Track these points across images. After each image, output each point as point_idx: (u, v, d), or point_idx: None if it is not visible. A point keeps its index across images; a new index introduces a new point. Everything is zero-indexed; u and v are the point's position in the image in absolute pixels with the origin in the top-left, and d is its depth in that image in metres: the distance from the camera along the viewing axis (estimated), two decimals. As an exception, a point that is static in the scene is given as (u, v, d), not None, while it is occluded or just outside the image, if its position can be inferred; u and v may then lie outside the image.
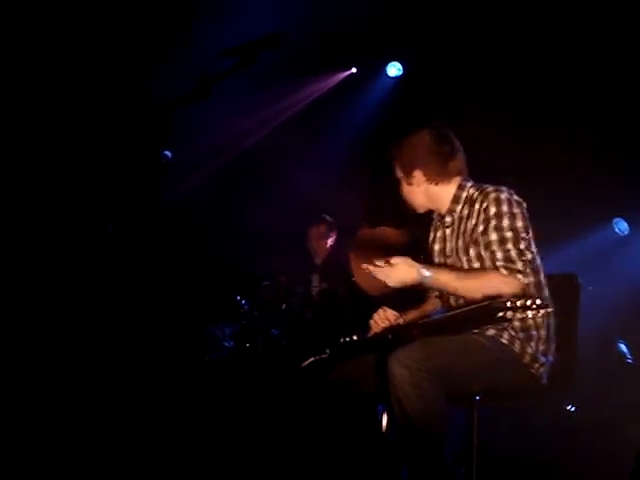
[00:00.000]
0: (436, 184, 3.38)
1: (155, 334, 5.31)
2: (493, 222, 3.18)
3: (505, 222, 3.16)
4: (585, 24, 5.62)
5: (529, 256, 3.15)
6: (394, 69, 6.97)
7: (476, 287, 3.10)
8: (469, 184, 3.38)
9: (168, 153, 4.98)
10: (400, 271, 3.05)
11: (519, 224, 3.17)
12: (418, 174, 3.38)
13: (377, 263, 3.07)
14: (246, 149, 6.32)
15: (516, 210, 3.19)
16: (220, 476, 3.87)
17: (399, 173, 3.46)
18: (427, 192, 3.41)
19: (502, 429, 3.64)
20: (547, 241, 3.50)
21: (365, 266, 3.10)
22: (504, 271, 3.10)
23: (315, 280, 6.33)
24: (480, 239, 3.21)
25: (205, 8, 5.70)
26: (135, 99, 5.72)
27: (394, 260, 3.05)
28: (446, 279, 3.13)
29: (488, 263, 3.18)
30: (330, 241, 6.26)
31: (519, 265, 3.10)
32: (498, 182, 3.34)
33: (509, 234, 3.15)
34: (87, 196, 5.69)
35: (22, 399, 4.28)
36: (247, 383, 4.72)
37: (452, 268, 3.26)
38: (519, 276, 3.09)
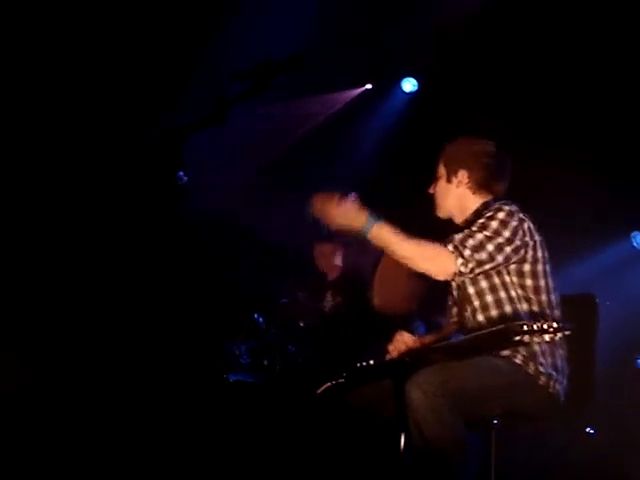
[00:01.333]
0: (473, 192, 3.37)
1: (173, 352, 5.33)
2: (482, 219, 3.17)
3: (493, 223, 3.13)
4: (600, 40, 5.60)
5: (484, 256, 3.07)
6: (409, 84, 6.96)
7: (410, 252, 3.05)
8: (493, 204, 3.31)
9: (182, 175, 5.02)
10: (348, 210, 3.05)
11: (506, 231, 3.12)
12: (462, 174, 3.37)
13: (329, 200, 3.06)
14: (261, 167, 6.33)
15: (512, 221, 3.15)
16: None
17: (441, 170, 3.43)
18: (462, 196, 3.39)
19: (521, 453, 3.61)
20: (565, 256, 3.47)
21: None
22: (450, 248, 3.07)
23: (329, 296, 6.32)
24: None
25: (218, 30, 5.71)
26: (151, 122, 5.74)
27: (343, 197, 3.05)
28: (389, 235, 3.05)
29: (497, 280, 3.18)
30: (337, 258, 6.25)
31: (466, 253, 3.05)
32: (515, 197, 3.32)
33: (487, 230, 3.11)
34: (104, 219, 5.72)
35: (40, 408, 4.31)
36: (264, 404, 4.71)
37: (401, 231, 3.13)
38: (458, 260, 3.04)
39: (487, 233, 3.10)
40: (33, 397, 4.44)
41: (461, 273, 3.07)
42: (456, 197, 3.40)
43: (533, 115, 6.03)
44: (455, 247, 3.07)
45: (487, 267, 3.10)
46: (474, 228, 3.14)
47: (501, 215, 3.15)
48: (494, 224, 3.12)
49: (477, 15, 5.81)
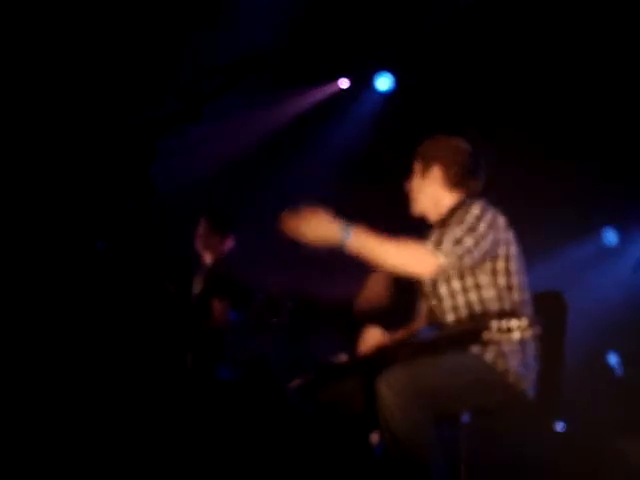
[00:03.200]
0: (448, 189, 3.38)
1: (147, 348, 5.31)
2: (456, 217, 3.19)
3: (467, 217, 3.14)
4: (584, 34, 5.63)
5: (461, 250, 3.06)
6: (384, 81, 6.94)
7: (392, 256, 3.03)
8: (468, 201, 3.33)
9: (156, 171, 5.00)
10: (319, 224, 2.96)
11: (480, 227, 3.12)
12: (437, 170, 3.37)
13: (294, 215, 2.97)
14: (232, 165, 6.28)
15: (486, 216, 3.16)
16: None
17: (418, 163, 3.43)
18: (436, 193, 3.39)
19: (490, 450, 3.64)
20: (534, 253, 3.50)
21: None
22: (429, 245, 3.08)
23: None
24: None
25: (191, 25, 5.68)
26: (125, 117, 5.71)
27: (313, 212, 2.97)
28: (369, 240, 3.00)
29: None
30: None
31: (446, 247, 3.05)
32: (487, 193, 3.35)
33: (463, 226, 3.11)
34: (77, 214, 5.69)
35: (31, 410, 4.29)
36: (235, 401, 4.71)
37: (380, 235, 3.09)
38: (439, 256, 3.04)
39: (463, 228, 3.11)
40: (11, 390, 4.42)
41: (443, 269, 3.07)
42: (430, 193, 3.40)
43: (509, 111, 6.05)
44: (434, 244, 3.08)
45: (467, 261, 3.09)
46: (450, 225, 3.16)
47: (475, 210, 3.17)
48: (469, 219, 3.14)
49: (459, 8, 5.80)
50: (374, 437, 3.11)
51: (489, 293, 3.21)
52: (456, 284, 3.25)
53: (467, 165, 3.37)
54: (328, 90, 6.88)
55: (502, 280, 3.21)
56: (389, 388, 2.89)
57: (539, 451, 3.94)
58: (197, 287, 5.60)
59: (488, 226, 3.14)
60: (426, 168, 3.40)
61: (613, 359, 5.23)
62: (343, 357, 3.34)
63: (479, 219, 3.14)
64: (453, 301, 3.26)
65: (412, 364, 3.00)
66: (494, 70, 6.00)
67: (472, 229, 3.11)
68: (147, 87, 5.89)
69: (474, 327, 2.87)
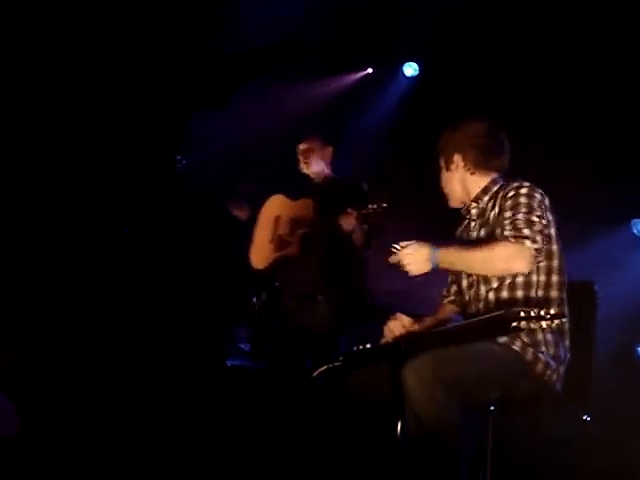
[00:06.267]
0: (472, 173, 3.41)
1: (172, 335, 5.32)
2: (509, 202, 3.19)
3: (521, 199, 3.16)
4: (597, 30, 5.58)
5: (538, 226, 3.09)
6: (410, 69, 6.92)
7: (486, 259, 3.08)
8: (502, 181, 3.39)
9: (181, 158, 5.00)
10: (414, 255, 3.06)
11: (535, 204, 3.15)
12: (457, 159, 3.42)
13: (393, 248, 3.09)
14: (262, 152, 6.27)
15: (536, 195, 3.19)
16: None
17: (441, 158, 3.50)
18: (463, 180, 3.43)
19: (517, 439, 3.61)
20: (564, 244, 3.45)
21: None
22: (512, 239, 3.07)
23: None
24: (498, 222, 3.20)
25: (218, 12, 5.68)
26: (151, 102, 5.71)
27: (403, 245, 3.08)
28: (456, 256, 3.11)
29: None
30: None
31: (526, 232, 3.07)
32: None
33: (522, 208, 3.13)
34: (103, 199, 5.70)
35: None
36: (261, 390, 4.70)
37: (460, 245, 3.22)
38: (527, 242, 3.05)
39: (521, 208, 3.13)
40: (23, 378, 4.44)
41: (538, 251, 3.08)
42: (459, 182, 3.45)
43: (532, 99, 6.00)
44: (513, 236, 3.08)
45: (545, 240, 3.10)
46: (507, 213, 3.15)
47: (524, 190, 3.19)
48: (525, 200, 3.15)
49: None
50: (400, 425, 3.09)
51: (531, 277, 3.19)
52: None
53: (485, 145, 3.39)
54: (358, 77, 6.90)
55: (543, 263, 3.21)
56: (415, 375, 2.88)
57: (566, 443, 3.91)
58: None
59: (539, 207, 3.16)
60: (447, 160, 3.46)
61: (643, 351, 5.17)
62: (369, 345, 3.32)
63: (534, 199, 3.16)
64: (487, 286, 3.25)
65: (439, 352, 2.97)
66: (524, 55, 5.95)
67: (530, 209, 3.12)
68: (173, 74, 5.90)
69: (501, 315, 2.82)
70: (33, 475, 3.67)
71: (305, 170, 5.25)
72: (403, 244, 3.09)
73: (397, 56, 6.83)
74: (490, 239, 3.19)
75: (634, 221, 6.33)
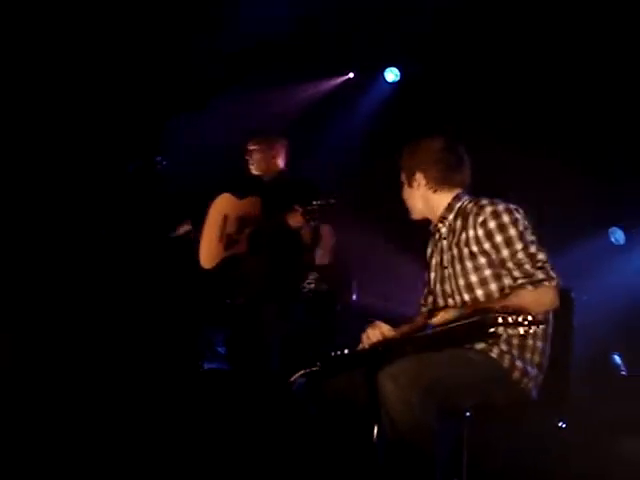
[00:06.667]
0: (434, 191, 3.42)
1: (149, 337, 5.29)
2: (498, 237, 3.18)
3: (511, 232, 3.16)
4: (585, 28, 5.61)
5: (541, 256, 3.14)
6: (392, 74, 6.94)
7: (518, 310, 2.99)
8: (466, 197, 3.41)
9: (160, 159, 4.99)
10: (447, 315, 3.12)
11: (522, 228, 3.17)
12: (419, 177, 3.43)
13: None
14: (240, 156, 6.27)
15: (516, 216, 3.20)
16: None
17: (403, 174, 3.52)
18: (425, 198, 3.45)
19: (492, 445, 3.61)
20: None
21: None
22: (530, 287, 3.10)
23: (311, 277, 6.31)
24: (488, 255, 3.21)
25: (198, 15, 5.65)
26: (130, 104, 5.68)
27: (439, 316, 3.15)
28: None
29: (487, 272, 3.20)
30: (333, 243, 6.29)
31: (539, 274, 3.10)
32: (494, 191, 3.36)
33: (519, 245, 3.15)
34: (81, 201, 5.67)
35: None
36: (237, 392, 4.68)
37: (478, 303, 3.21)
38: (545, 284, 3.09)
39: (518, 246, 3.14)
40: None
41: (557, 284, 3.12)
42: (421, 199, 3.47)
43: (513, 106, 6.03)
44: (530, 283, 3.10)
45: (544, 255, 3.14)
46: (504, 252, 3.15)
47: (506, 219, 3.18)
48: (512, 232, 3.16)
49: (461, 6, 5.81)
50: (376, 431, 3.08)
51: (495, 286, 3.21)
52: (458, 269, 3.30)
53: (445, 162, 3.41)
54: (338, 82, 6.91)
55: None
56: (391, 380, 2.88)
57: (541, 449, 3.91)
58: None
59: (524, 225, 3.19)
60: (409, 177, 3.48)
61: (617, 358, 5.20)
62: (347, 350, 3.31)
63: (519, 224, 3.18)
64: (466, 279, 3.27)
65: (416, 358, 2.98)
66: (506, 61, 5.99)
67: (526, 240, 3.15)
68: (153, 75, 5.87)
69: (479, 321, 2.83)
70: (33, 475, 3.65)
71: (252, 170, 5.26)
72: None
73: (379, 61, 6.85)
74: (510, 293, 3.16)
75: (611, 229, 6.38)
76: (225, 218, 5.20)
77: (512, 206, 3.23)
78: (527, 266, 3.12)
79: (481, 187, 3.42)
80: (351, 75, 7.06)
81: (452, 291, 3.33)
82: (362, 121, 6.89)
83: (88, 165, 5.78)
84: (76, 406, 4.28)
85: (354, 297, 6.28)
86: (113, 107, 5.77)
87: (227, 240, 5.14)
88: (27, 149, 5.72)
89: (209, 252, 5.18)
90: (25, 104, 5.68)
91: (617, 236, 6.38)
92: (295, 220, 4.77)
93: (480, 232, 3.22)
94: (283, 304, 5.00)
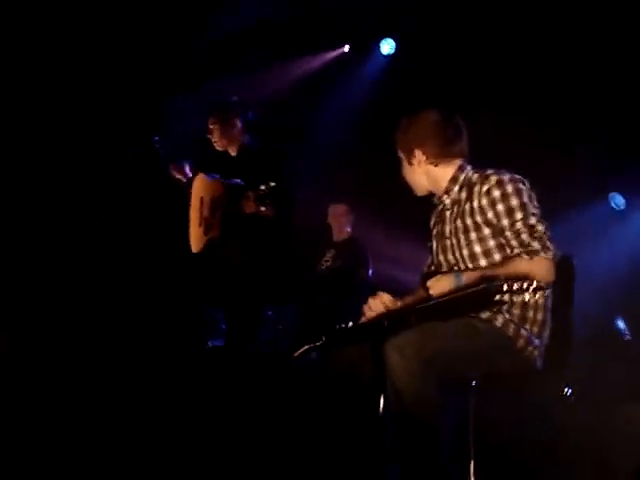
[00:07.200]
0: (436, 165, 3.38)
1: (153, 318, 5.31)
2: (500, 206, 3.17)
3: (513, 202, 3.15)
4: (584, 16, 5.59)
5: (540, 227, 3.11)
6: (387, 46, 6.91)
7: (511, 277, 3.00)
8: (469, 167, 3.39)
9: (158, 139, 4.97)
10: (441, 282, 3.06)
11: (525, 199, 3.15)
12: (418, 153, 3.38)
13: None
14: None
15: (521, 186, 3.18)
16: (217, 461, 3.86)
17: (400, 152, 3.46)
18: (428, 173, 3.41)
19: (499, 415, 3.63)
20: (543, 218, 3.46)
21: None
22: (525, 256, 3.08)
23: (329, 255, 6.34)
24: (491, 225, 3.19)
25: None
26: (127, 88, 5.65)
27: (431, 281, 3.08)
28: (478, 279, 3.03)
29: (492, 243, 3.19)
30: (348, 222, 6.33)
31: (535, 244, 3.08)
32: (495, 161, 3.33)
33: (519, 215, 3.13)
34: (81, 186, 5.66)
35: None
36: (242, 369, 4.69)
37: (475, 269, 3.20)
38: (541, 254, 3.06)
39: (518, 215, 3.12)
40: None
41: (553, 256, 3.08)
42: (424, 175, 3.42)
43: (510, 77, 6.01)
44: (526, 253, 3.07)
45: (545, 227, 3.12)
46: (505, 221, 3.14)
47: (510, 188, 3.16)
48: (514, 202, 3.14)
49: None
50: (382, 402, 3.09)
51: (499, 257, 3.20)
52: (462, 241, 3.28)
53: (443, 135, 3.36)
54: (333, 55, 6.87)
55: None
56: (396, 351, 2.88)
57: (547, 417, 3.94)
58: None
59: (528, 195, 3.17)
60: (408, 155, 3.42)
61: (621, 323, 5.22)
62: (351, 323, 3.31)
63: (522, 194, 3.15)
64: (470, 249, 3.26)
65: (421, 329, 2.97)
66: (502, 30, 5.96)
67: (527, 211, 3.13)
68: (150, 57, 5.84)
69: (484, 289, 2.82)
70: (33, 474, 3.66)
71: (216, 147, 5.24)
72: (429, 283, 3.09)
73: (374, 34, 6.81)
74: (505, 258, 3.16)
75: (611, 195, 6.37)
76: (202, 200, 5.17)
77: (517, 177, 3.22)
78: (524, 236, 3.11)
79: (481, 157, 3.40)
80: (346, 49, 7.01)
81: (456, 261, 3.33)
82: (358, 96, 6.85)
83: (86, 150, 5.76)
84: (80, 390, 4.28)
85: (370, 273, 6.30)
86: (109, 90, 5.75)
87: (205, 224, 5.13)
88: (25, 137, 5.70)
89: (194, 236, 5.19)
90: (22, 91, 5.66)
91: (617, 201, 6.38)
92: (248, 207, 4.76)
93: (484, 201, 3.21)
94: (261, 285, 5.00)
